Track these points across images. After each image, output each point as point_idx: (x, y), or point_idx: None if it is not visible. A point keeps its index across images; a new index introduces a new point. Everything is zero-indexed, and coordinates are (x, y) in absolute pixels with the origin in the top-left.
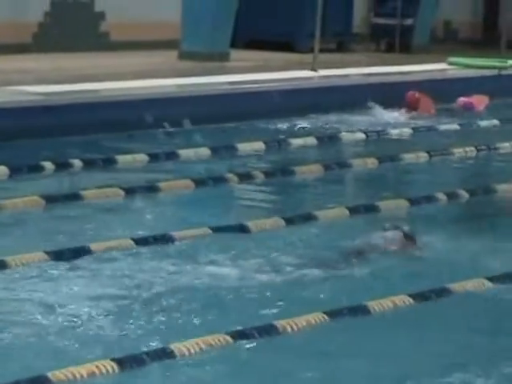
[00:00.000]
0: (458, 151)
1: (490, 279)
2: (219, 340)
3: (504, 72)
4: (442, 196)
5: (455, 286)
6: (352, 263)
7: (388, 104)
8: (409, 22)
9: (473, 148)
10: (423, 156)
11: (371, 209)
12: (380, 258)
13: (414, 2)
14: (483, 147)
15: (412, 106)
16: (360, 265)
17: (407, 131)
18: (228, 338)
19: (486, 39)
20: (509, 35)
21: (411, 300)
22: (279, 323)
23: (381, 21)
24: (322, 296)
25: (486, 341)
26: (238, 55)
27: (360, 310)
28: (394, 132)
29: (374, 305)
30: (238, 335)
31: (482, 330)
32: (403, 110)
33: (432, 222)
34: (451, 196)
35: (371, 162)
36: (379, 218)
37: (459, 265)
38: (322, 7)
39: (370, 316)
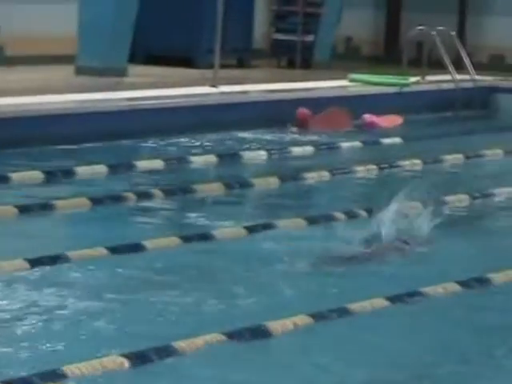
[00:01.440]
0: (360, 169)
1: None
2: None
3: (405, 89)
4: (340, 215)
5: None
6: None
7: (288, 121)
8: (310, 38)
9: (374, 166)
10: (325, 175)
11: (269, 227)
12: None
13: (315, 18)
14: (385, 165)
15: (302, 124)
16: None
17: (309, 149)
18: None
19: (387, 56)
20: (410, 52)
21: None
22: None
23: (281, 37)
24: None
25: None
26: (136, 71)
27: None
28: (297, 150)
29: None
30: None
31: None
32: (295, 128)
33: (330, 241)
34: (350, 215)
35: (273, 181)
36: (278, 237)
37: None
38: (222, 22)
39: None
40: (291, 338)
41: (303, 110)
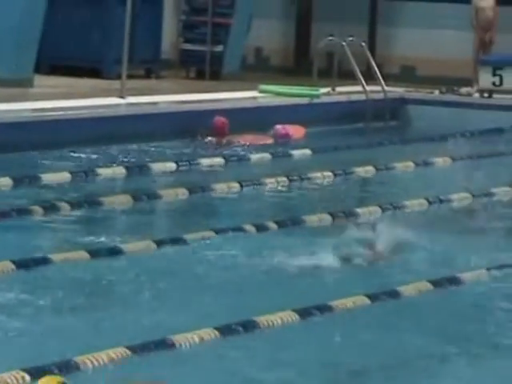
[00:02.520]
0: (270, 181)
1: None
2: None
3: (316, 100)
4: (250, 227)
5: None
6: None
7: (197, 132)
8: (219, 48)
9: (285, 178)
10: (235, 186)
11: (178, 241)
12: None
13: (224, 28)
14: (295, 177)
15: (220, 133)
16: None
17: (219, 161)
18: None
19: (297, 66)
20: (320, 63)
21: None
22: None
23: (190, 47)
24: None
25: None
26: (43, 81)
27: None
28: (206, 162)
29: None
30: None
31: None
32: (213, 139)
33: (240, 253)
34: (260, 228)
35: (181, 193)
36: (186, 251)
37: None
38: (130, 32)
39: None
40: (197, 350)
41: (220, 119)
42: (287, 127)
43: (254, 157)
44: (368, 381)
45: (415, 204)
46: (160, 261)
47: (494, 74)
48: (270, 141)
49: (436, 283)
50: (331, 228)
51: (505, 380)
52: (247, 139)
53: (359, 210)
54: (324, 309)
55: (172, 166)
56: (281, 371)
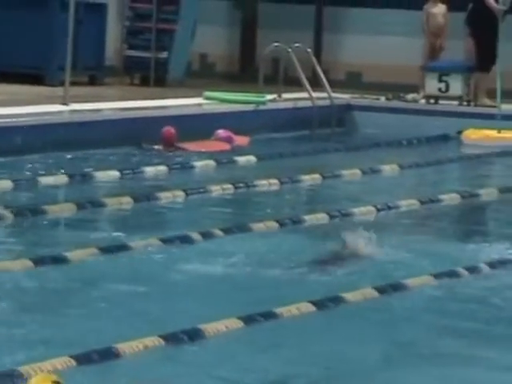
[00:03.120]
0: (216, 189)
1: None
2: None
3: (262, 107)
4: (196, 236)
5: None
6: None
7: (143, 140)
8: (163, 55)
9: (230, 185)
10: (179, 195)
11: (123, 248)
12: None
13: (169, 34)
14: (241, 184)
15: (168, 142)
16: None
17: (163, 169)
18: None
19: (243, 73)
20: (266, 69)
21: None
22: None
23: (134, 53)
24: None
25: None
26: None
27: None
28: (150, 170)
29: None
30: None
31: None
32: (160, 147)
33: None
34: (206, 235)
35: (126, 201)
36: (132, 258)
37: None
38: (73, 39)
39: None
40: (139, 358)
41: (169, 129)
42: (228, 131)
43: (199, 164)
44: None
45: (363, 211)
46: (105, 268)
47: (440, 81)
48: (227, 147)
49: (381, 290)
50: (278, 235)
51: None
52: (203, 146)
53: (306, 217)
54: (269, 316)
55: (116, 174)
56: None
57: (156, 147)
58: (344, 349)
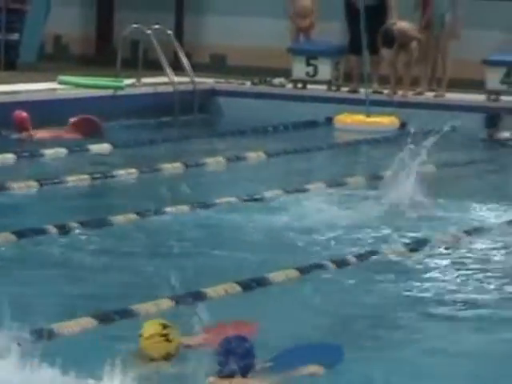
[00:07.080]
0: (72, 179)
1: None
2: None
3: (120, 92)
4: (52, 228)
5: None
6: None
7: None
8: (14, 37)
9: (86, 176)
10: (32, 185)
11: None
12: None
13: (20, 15)
14: (98, 175)
15: (21, 126)
16: None
17: (10, 157)
18: None
19: (100, 56)
20: (125, 52)
21: None
22: None
23: None
24: None
25: None
26: None
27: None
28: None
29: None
30: None
31: None
32: (19, 134)
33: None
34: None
35: None
36: None
37: None
38: None
39: None
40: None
41: (20, 114)
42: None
43: (49, 152)
44: None
45: (223, 202)
46: None
47: (308, 64)
48: (79, 136)
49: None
50: (139, 226)
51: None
52: (53, 134)
53: (168, 209)
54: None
55: None
56: None
57: (16, 135)
58: None
